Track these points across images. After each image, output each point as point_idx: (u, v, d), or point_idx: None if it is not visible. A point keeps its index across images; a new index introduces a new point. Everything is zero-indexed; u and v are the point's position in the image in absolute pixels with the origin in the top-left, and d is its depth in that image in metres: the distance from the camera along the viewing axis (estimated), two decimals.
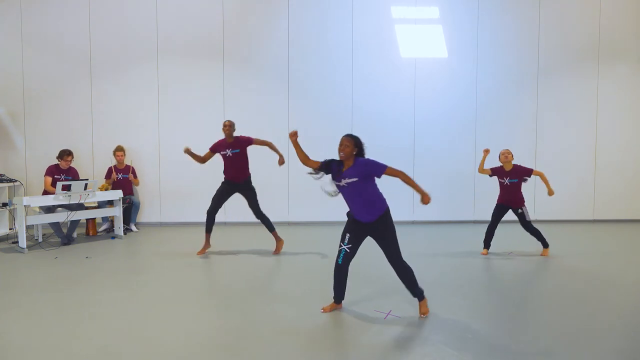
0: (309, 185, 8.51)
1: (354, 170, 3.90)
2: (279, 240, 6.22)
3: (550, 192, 6.06)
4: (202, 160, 6.13)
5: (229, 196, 6.17)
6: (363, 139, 4.09)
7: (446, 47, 8.54)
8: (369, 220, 3.92)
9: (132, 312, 4.11)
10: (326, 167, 4.04)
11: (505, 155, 6.02)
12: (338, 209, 8.75)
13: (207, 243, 6.16)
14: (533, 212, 8.57)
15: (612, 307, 4.23)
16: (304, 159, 4.21)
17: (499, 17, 8.52)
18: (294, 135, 4.31)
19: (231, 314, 4.10)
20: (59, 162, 7.13)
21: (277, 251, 6.20)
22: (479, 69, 8.55)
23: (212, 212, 6.10)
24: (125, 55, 8.30)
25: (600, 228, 8.23)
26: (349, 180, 3.88)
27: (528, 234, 6.14)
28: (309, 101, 8.47)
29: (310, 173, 4.15)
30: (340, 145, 3.97)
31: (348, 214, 4.05)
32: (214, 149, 6.10)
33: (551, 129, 8.64)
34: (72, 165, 7.47)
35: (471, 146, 8.54)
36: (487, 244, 6.21)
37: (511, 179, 6.01)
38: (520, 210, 6.05)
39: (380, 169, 3.87)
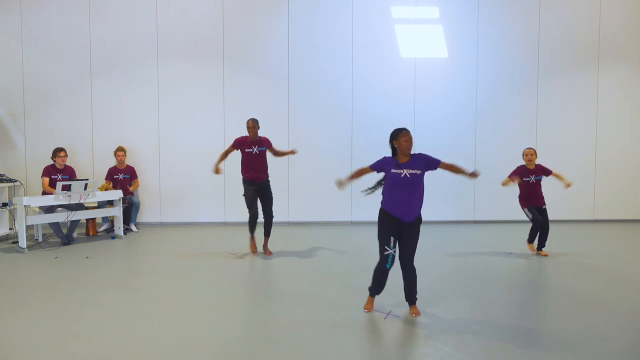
0: (309, 185, 8.56)
1: (414, 162, 3.93)
2: (265, 246, 6.21)
3: (568, 184, 6.17)
4: (225, 156, 6.11)
5: (260, 197, 6.12)
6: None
7: (446, 47, 8.54)
8: (410, 220, 3.93)
9: (132, 312, 4.11)
10: (380, 165, 4.02)
11: (530, 157, 6.12)
12: (338, 209, 8.83)
13: (254, 243, 6.22)
14: None
15: (614, 307, 4.23)
16: (360, 174, 4.15)
17: (499, 17, 8.52)
18: (342, 185, 4.22)
19: (231, 314, 4.10)
20: (54, 162, 7.14)
21: (254, 251, 6.19)
22: (479, 69, 8.55)
23: (256, 215, 6.08)
24: (125, 55, 8.30)
25: (601, 228, 8.23)
26: (412, 171, 3.89)
27: (544, 233, 6.16)
28: (309, 101, 8.47)
29: (366, 190, 4.13)
30: (407, 141, 3.92)
31: (384, 214, 3.97)
32: (237, 146, 6.00)
33: (551, 129, 8.63)
34: (70, 164, 7.49)
35: (471, 146, 8.54)
36: (533, 238, 6.22)
37: (536, 177, 6.12)
38: (544, 207, 6.15)
39: (436, 162, 4.00)
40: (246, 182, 6.06)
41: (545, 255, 6.09)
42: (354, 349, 3.40)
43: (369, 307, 4.10)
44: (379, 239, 3.97)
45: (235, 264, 5.76)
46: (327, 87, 8.46)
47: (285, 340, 3.50)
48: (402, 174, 3.88)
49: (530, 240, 6.24)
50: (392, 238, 3.91)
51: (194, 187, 8.37)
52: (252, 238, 6.20)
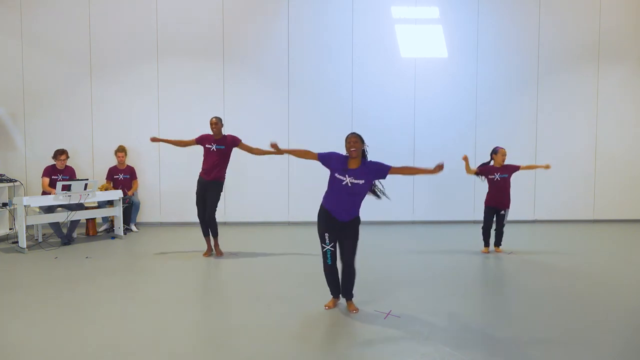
0: (309, 185, 8.55)
1: (362, 171, 3.90)
2: (216, 247, 6.09)
3: (547, 166, 6.27)
4: (182, 143, 6.10)
5: (204, 196, 5.98)
6: (364, 139, 4.08)
7: (446, 47, 8.54)
8: (346, 220, 3.94)
9: (131, 312, 4.11)
10: (327, 160, 3.99)
11: (503, 157, 6.15)
12: None
13: (209, 245, 6.13)
14: (533, 212, 8.58)
15: (614, 307, 4.23)
16: (302, 155, 4.14)
17: (499, 17, 8.52)
18: (274, 147, 4.26)
19: (231, 314, 4.10)
20: (54, 163, 7.14)
21: (206, 253, 6.08)
22: (479, 69, 8.55)
23: (202, 216, 6.02)
24: (125, 55, 8.30)
25: (601, 228, 8.22)
26: (355, 181, 3.87)
27: (499, 234, 6.30)
28: (309, 101, 8.47)
29: (375, 194, 4.09)
30: (349, 143, 3.91)
31: (322, 213, 3.99)
32: (199, 141, 6.00)
33: (551, 129, 8.63)
34: (71, 164, 7.49)
35: (471, 146, 8.53)
36: (487, 242, 6.31)
37: (501, 174, 6.15)
38: (503, 212, 6.20)
39: (385, 170, 3.92)
40: (198, 179, 6.00)
41: (500, 252, 6.22)
42: (354, 349, 3.39)
43: (329, 304, 4.13)
44: (318, 236, 4.03)
45: (235, 264, 5.76)
46: (327, 87, 8.46)
47: (285, 340, 3.49)
48: (345, 181, 3.87)
49: (485, 244, 6.31)
50: (326, 235, 3.94)
51: (193, 187, 8.33)
52: (206, 240, 6.06)
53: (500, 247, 6.31)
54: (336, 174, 3.91)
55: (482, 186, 6.47)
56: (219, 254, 6.07)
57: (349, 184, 3.87)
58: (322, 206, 4.03)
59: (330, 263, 4.01)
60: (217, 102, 8.36)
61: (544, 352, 3.31)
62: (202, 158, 6.01)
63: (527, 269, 5.54)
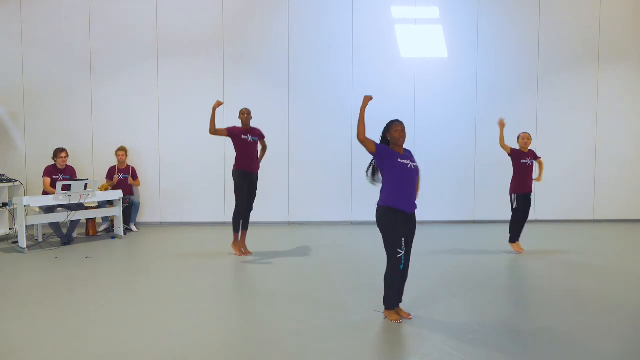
0: (309, 185, 8.56)
1: (410, 155, 3.86)
2: (243, 241, 6.06)
3: (539, 179, 6.28)
4: (215, 130, 5.77)
5: (250, 189, 5.92)
6: None
7: (446, 47, 8.54)
8: (413, 210, 3.83)
9: (131, 312, 4.11)
10: (384, 152, 3.82)
11: (527, 140, 6.20)
12: (338, 209, 8.83)
13: (239, 241, 6.05)
14: (533, 212, 8.57)
15: (614, 307, 4.23)
16: (363, 132, 3.83)
17: (499, 17, 8.52)
18: (368, 98, 4.04)
19: (232, 315, 4.10)
20: (55, 162, 7.14)
21: (238, 250, 6.03)
22: (479, 69, 8.55)
23: (246, 211, 5.94)
24: (125, 55, 8.30)
25: (601, 228, 8.22)
26: (414, 164, 3.83)
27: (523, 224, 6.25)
28: (309, 101, 8.47)
29: (370, 177, 3.96)
30: (398, 131, 3.82)
31: (392, 212, 3.74)
32: (231, 132, 5.80)
33: (551, 129, 8.64)
34: (71, 163, 7.49)
35: (471, 146, 8.53)
36: (519, 235, 6.26)
37: (531, 159, 6.22)
38: (530, 194, 6.21)
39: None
40: (241, 172, 5.82)
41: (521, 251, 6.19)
42: (354, 349, 3.39)
43: (396, 316, 3.83)
44: (388, 241, 3.74)
45: (235, 264, 5.75)
46: (327, 87, 8.46)
47: (285, 342, 3.49)
48: (409, 165, 3.78)
49: (514, 239, 6.22)
50: (403, 239, 3.73)
51: (194, 187, 8.37)
52: (235, 236, 6.00)
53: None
54: (399, 159, 3.78)
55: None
56: (247, 252, 6.02)
57: (412, 167, 3.80)
58: (386, 208, 3.76)
59: (402, 268, 3.77)
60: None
61: (544, 352, 3.30)
62: (236, 151, 5.84)
63: (527, 269, 5.54)
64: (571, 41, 8.59)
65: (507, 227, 6.36)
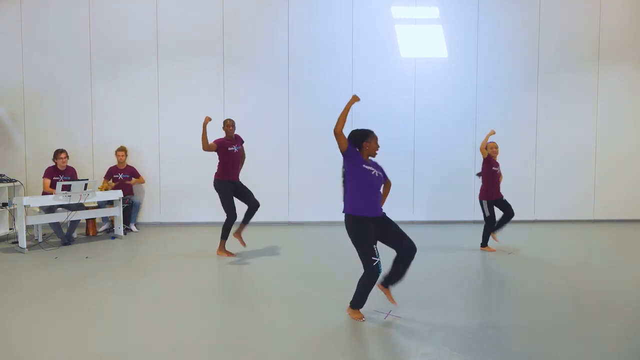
0: (309, 185, 8.55)
1: (376, 166, 3.95)
2: (240, 233, 6.14)
3: (492, 132, 6.44)
4: (207, 145, 5.81)
5: (240, 194, 6.07)
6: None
7: (446, 47, 8.54)
8: (380, 214, 3.85)
9: (132, 312, 4.11)
10: (353, 152, 3.82)
11: (495, 149, 6.41)
12: (338, 209, 8.80)
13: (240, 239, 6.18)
14: (533, 212, 8.59)
15: (614, 307, 4.23)
16: (342, 127, 3.76)
17: (499, 16, 8.52)
18: (355, 98, 4.03)
19: (231, 315, 4.10)
20: (55, 163, 7.14)
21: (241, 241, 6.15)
22: (479, 69, 8.55)
23: (252, 210, 6.06)
24: (125, 55, 8.30)
25: (601, 228, 8.22)
26: (379, 173, 3.89)
27: (507, 219, 6.40)
28: (309, 101, 8.47)
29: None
30: (376, 144, 3.90)
31: (358, 220, 3.77)
32: (220, 146, 5.92)
33: (551, 129, 8.63)
34: (71, 163, 7.49)
35: (471, 146, 8.53)
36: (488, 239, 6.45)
37: (499, 168, 6.46)
38: (504, 199, 6.39)
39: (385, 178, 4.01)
40: (224, 183, 5.93)
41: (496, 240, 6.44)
42: (354, 349, 3.40)
43: (359, 315, 3.88)
44: (361, 251, 3.74)
45: (235, 264, 5.76)
46: (327, 87, 8.46)
47: (285, 341, 3.50)
48: (374, 172, 3.85)
49: (484, 245, 6.40)
50: (375, 246, 3.73)
51: (194, 187, 8.37)
52: (225, 244, 6.10)
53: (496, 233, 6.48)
54: (364, 165, 3.82)
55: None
56: (243, 244, 6.16)
57: (377, 175, 3.85)
58: (352, 217, 3.79)
59: (380, 273, 3.77)
60: (217, 102, 8.36)
61: (544, 352, 3.31)
62: (221, 161, 5.94)
63: (527, 269, 5.54)
64: (571, 41, 8.59)
65: (506, 227, 6.40)
